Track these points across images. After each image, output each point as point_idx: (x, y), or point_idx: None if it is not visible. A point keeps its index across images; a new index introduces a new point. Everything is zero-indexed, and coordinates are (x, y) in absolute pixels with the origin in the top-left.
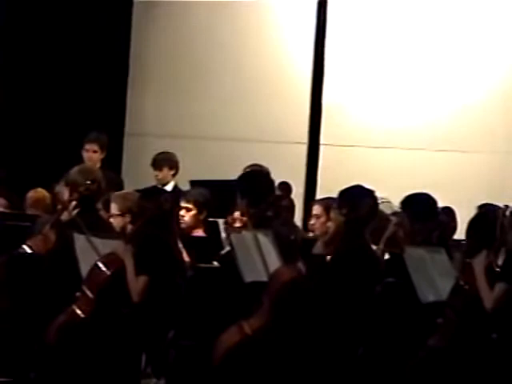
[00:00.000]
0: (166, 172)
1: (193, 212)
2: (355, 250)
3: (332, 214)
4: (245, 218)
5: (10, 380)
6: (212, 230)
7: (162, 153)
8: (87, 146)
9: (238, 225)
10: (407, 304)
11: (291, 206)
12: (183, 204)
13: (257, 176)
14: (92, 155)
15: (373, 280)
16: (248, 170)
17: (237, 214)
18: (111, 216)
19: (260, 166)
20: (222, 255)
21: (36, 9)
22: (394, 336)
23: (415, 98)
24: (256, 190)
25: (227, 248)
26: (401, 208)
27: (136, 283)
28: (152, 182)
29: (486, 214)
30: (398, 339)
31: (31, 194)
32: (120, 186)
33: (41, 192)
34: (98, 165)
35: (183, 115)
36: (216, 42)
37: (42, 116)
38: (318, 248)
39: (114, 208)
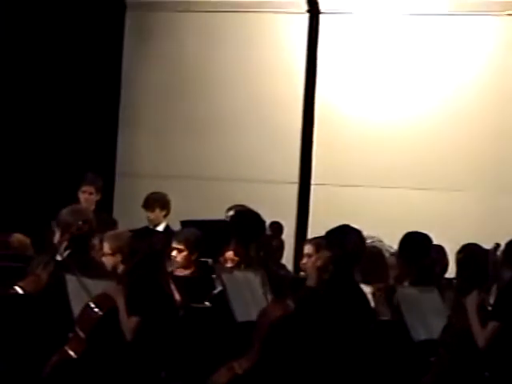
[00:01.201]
0: (158, 212)
1: (184, 253)
2: (343, 287)
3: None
4: (236, 258)
5: None
6: (203, 270)
7: (154, 193)
8: (84, 188)
9: (229, 265)
10: (400, 342)
11: (281, 246)
12: (175, 245)
13: (248, 216)
14: (88, 197)
15: (364, 318)
16: (232, 211)
17: (229, 253)
18: (103, 255)
19: (243, 206)
20: (214, 295)
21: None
22: (387, 374)
23: (404, 135)
24: (247, 230)
25: (219, 288)
26: (398, 247)
27: (128, 323)
28: (144, 223)
29: (476, 254)
30: (391, 378)
31: (15, 238)
32: (114, 227)
33: (20, 236)
34: (93, 206)
35: (174, 155)
36: (207, 76)
37: (31, 156)
38: (310, 282)
39: (106, 247)
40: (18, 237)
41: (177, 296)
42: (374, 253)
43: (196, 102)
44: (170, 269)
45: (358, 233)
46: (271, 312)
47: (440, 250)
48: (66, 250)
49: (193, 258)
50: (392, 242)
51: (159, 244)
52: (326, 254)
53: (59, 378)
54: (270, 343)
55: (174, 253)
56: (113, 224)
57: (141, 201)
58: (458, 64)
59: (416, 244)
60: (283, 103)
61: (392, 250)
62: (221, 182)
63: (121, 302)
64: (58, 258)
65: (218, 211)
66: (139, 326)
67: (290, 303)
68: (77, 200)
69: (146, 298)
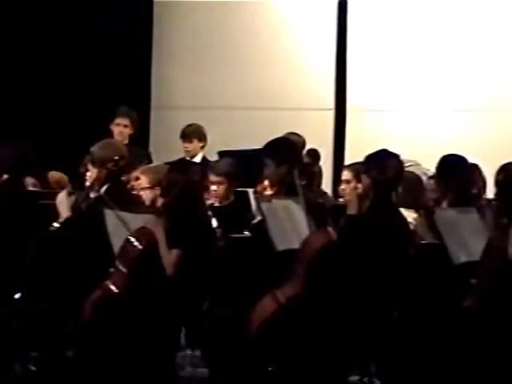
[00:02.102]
0: (196, 144)
1: (224, 185)
2: (384, 213)
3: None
4: (275, 187)
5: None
6: (242, 200)
7: (191, 125)
8: (118, 120)
9: (267, 193)
10: (440, 266)
11: (319, 173)
12: (214, 178)
13: (285, 144)
14: (122, 130)
15: (404, 242)
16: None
17: (266, 182)
18: (141, 189)
19: (297, 134)
20: (253, 225)
21: None
22: (428, 298)
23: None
24: (285, 158)
25: (258, 218)
26: (435, 169)
27: (169, 256)
28: (179, 155)
29: None
30: (432, 301)
31: (51, 176)
32: (148, 161)
33: (58, 174)
34: (127, 140)
35: (209, 86)
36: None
37: (68, 91)
38: (351, 210)
39: (144, 181)
40: (55, 174)
41: (216, 227)
42: (413, 177)
43: (232, 31)
44: (209, 201)
45: (396, 157)
46: (314, 241)
47: (476, 169)
48: (102, 185)
49: (232, 188)
50: (429, 166)
51: (197, 175)
52: (365, 180)
53: (102, 313)
54: (313, 272)
55: (214, 186)
56: (146, 157)
57: (176, 133)
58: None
59: (452, 165)
60: (317, 30)
61: (430, 173)
62: (257, 111)
63: (160, 236)
64: (94, 194)
65: (255, 141)
66: (180, 259)
67: (332, 231)
68: (110, 133)
69: (186, 230)
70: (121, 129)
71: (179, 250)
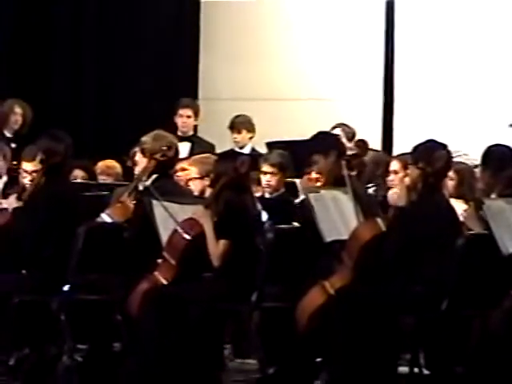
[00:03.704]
0: (245, 135)
1: (277, 176)
2: (433, 203)
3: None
4: (322, 178)
5: (92, 349)
6: (291, 190)
7: (240, 115)
8: (181, 112)
9: (316, 184)
10: (489, 256)
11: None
12: (268, 169)
13: (331, 135)
14: (186, 120)
15: (453, 233)
16: (337, 129)
17: (314, 174)
18: (190, 180)
19: (347, 126)
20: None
21: None
22: (477, 289)
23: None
24: (331, 149)
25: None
26: (481, 160)
27: (216, 247)
28: (227, 145)
29: None
30: (481, 292)
31: (101, 163)
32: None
33: (110, 162)
34: (192, 131)
35: (256, 78)
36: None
37: (119, 85)
38: (400, 201)
39: (194, 171)
40: (107, 163)
41: (265, 217)
42: (462, 168)
43: (278, 26)
44: (259, 191)
45: (444, 148)
46: (363, 232)
47: None
48: (151, 175)
49: (283, 180)
50: (476, 155)
51: (245, 166)
52: (413, 171)
53: (150, 304)
54: (362, 263)
55: (268, 177)
56: (211, 149)
57: (223, 124)
58: None
59: (499, 155)
60: (365, 25)
61: (477, 163)
62: (302, 102)
63: (208, 227)
64: (143, 184)
65: (301, 131)
66: (228, 250)
67: (381, 222)
68: (174, 126)
69: (234, 221)
70: (184, 119)
71: (227, 241)
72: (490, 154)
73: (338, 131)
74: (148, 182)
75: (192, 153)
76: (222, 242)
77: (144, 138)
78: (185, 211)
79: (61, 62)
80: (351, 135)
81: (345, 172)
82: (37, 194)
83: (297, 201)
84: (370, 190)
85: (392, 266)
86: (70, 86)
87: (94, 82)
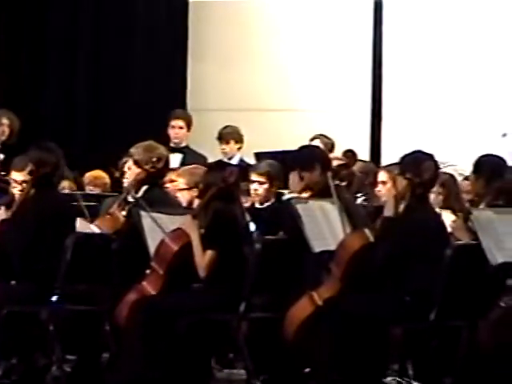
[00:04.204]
0: (233, 145)
1: (266, 185)
2: (421, 214)
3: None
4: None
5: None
6: (280, 201)
7: (228, 126)
8: (173, 123)
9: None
10: (477, 266)
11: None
12: (256, 178)
13: (312, 151)
14: (178, 131)
15: (440, 243)
16: (316, 140)
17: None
18: (178, 190)
19: (326, 136)
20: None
21: None
22: (465, 298)
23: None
24: (314, 164)
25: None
26: (472, 170)
27: (202, 258)
28: (216, 156)
29: None
30: (469, 301)
31: (89, 174)
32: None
33: (98, 172)
34: (184, 143)
35: (243, 88)
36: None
37: (105, 95)
38: (387, 211)
39: (182, 182)
40: (93, 173)
41: (253, 228)
42: (447, 179)
43: (265, 35)
44: (248, 202)
45: (431, 158)
46: (351, 242)
47: None
48: (141, 187)
49: (273, 189)
50: (464, 166)
51: (234, 177)
52: (401, 181)
53: (138, 314)
54: (350, 274)
55: (255, 185)
56: (203, 161)
57: (211, 134)
58: None
59: (490, 166)
60: (352, 35)
61: (466, 174)
62: (290, 113)
63: (195, 237)
64: (133, 194)
65: (290, 142)
66: (214, 261)
67: (369, 233)
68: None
69: (222, 231)
70: (176, 130)
71: (213, 251)
72: (481, 163)
73: (317, 142)
74: (139, 193)
75: (184, 164)
76: (209, 252)
77: (132, 149)
78: (174, 222)
79: (52, 73)
80: (330, 146)
81: (331, 183)
82: (26, 204)
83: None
84: (359, 200)
85: (380, 277)
86: (60, 97)
87: (84, 94)
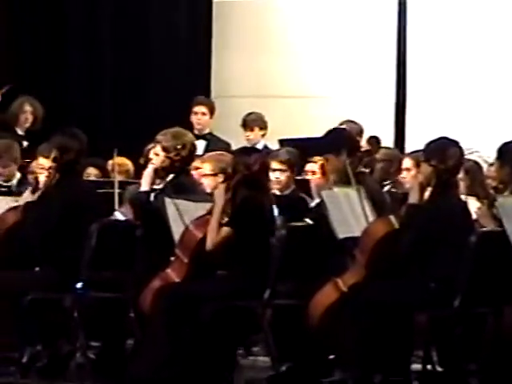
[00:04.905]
0: (257, 132)
1: (287, 173)
2: (446, 201)
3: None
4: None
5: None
6: (303, 188)
7: (252, 113)
8: (195, 109)
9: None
10: (503, 253)
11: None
12: (276, 165)
13: (342, 133)
14: (201, 118)
15: (465, 230)
16: (340, 126)
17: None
18: (203, 176)
19: (354, 122)
20: (313, 209)
21: None
22: (490, 285)
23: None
24: (343, 147)
25: (316, 201)
26: (496, 156)
27: (216, 231)
28: (241, 144)
29: None
30: (494, 288)
31: (111, 161)
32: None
33: (121, 159)
34: (207, 129)
35: (267, 75)
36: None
37: (131, 84)
38: (412, 198)
39: (207, 168)
40: (117, 159)
41: (277, 213)
42: (471, 166)
43: (290, 21)
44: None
45: (456, 145)
46: (376, 229)
47: None
48: (167, 174)
49: (293, 177)
50: (489, 153)
51: (259, 163)
52: (426, 168)
53: (163, 301)
54: (375, 260)
55: (277, 173)
56: (227, 147)
57: (236, 121)
58: None
59: None
60: (377, 22)
61: (490, 160)
62: (315, 100)
63: (217, 208)
64: (159, 183)
65: (313, 129)
66: (228, 239)
67: (394, 220)
68: (186, 124)
69: (248, 218)
70: (199, 117)
71: (231, 230)
72: (506, 150)
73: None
74: (167, 180)
75: (207, 151)
76: (225, 228)
77: (162, 136)
78: (200, 209)
79: (76, 61)
80: (359, 131)
81: (349, 170)
82: (50, 191)
83: (312, 204)
84: (386, 188)
85: (405, 263)
86: (85, 83)
87: (108, 81)
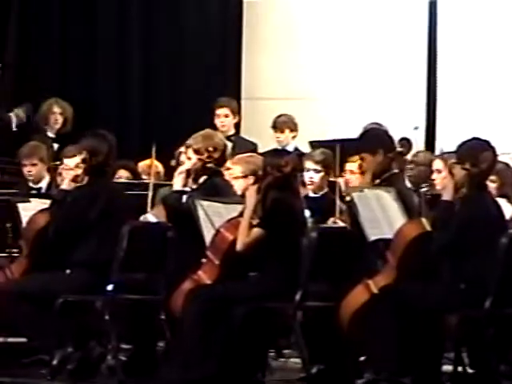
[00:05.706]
0: (288, 134)
1: (321, 173)
2: (480, 202)
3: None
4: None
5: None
6: (333, 189)
7: (283, 115)
8: (218, 112)
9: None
10: None
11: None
12: (312, 165)
13: (380, 132)
14: (224, 120)
15: (497, 231)
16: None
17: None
18: (234, 178)
19: (379, 124)
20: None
21: None
22: None
23: None
24: (380, 146)
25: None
26: None
27: (247, 231)
28: (270, 145)
29: None
30: None
31: (142, 163)
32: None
33: (151, 161)
34: (232, 130)
35: (297, 77)
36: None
37: (161, 85)
38: (446, 197)
39: (237, 170)
40: (146, 162)
41: (308, 215)
42: (502, 168)
43: (321, 24)
44: (303, 192)
45: (489, 146)
46: (407, 231)
47: None
48: (199, 176)
49: (327, 178)
50: None
51: (290, 165)
52: (458, 171)
53: (194, 303)
54: (406, 262)
55: (311, 173)
56: (253, 147)
57: (266, 123)
58: None
59: None
60: (408, 24)
61: None
62: (345, 102)
63: (249, 208)
64: (190, 183)
65: (343, 131)
66: (259, 241)
67: (425, 222)
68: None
69: (279, 220)
70: (222, 119)
71: (263, 231)
72: None
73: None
74: (199, 182)
75: (234, 152)
76: (256, 229)
77: (192, 139)
78: (230, 211)
79: (106, 63)
80: None
81: (392, 170)
82: (79, 193)
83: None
84: (423, 190)
85: (436, 265)
86: (115, 86)
87: (138, 83)
